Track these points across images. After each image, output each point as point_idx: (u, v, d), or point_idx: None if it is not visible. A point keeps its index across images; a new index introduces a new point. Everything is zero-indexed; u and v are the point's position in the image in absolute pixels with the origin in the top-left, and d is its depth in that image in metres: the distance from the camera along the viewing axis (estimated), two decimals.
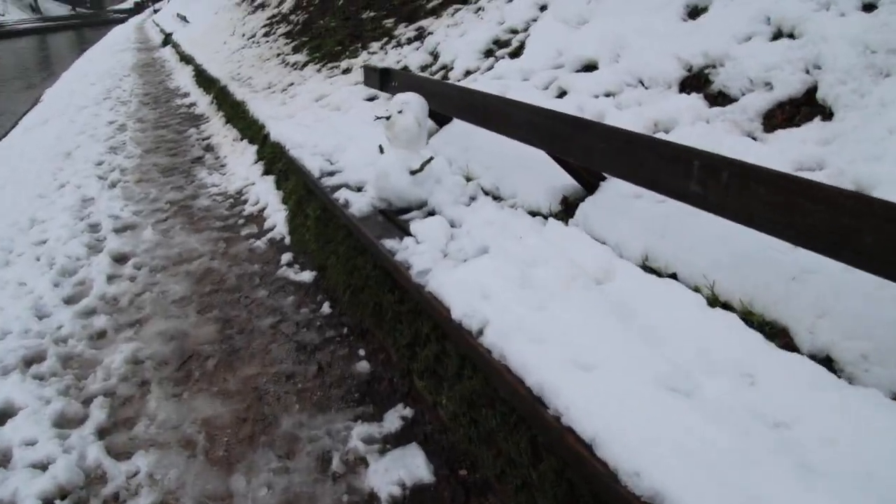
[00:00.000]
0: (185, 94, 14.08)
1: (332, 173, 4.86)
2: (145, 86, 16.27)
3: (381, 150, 4.10)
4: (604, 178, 3.48)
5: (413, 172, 3.85)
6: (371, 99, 7.17)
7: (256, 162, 7.50)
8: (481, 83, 5.56)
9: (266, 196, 6.60)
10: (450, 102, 4.28)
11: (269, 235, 5.91)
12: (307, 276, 5.06)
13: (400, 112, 3.86)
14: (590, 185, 3.43)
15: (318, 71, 9.48)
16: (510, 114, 3.56)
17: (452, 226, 3.55)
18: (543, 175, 3.72)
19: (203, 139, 9.97)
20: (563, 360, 2.21)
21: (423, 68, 6.99)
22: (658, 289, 2.54)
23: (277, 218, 6.09)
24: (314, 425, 3.44)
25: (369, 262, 4.15)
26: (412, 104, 3.87)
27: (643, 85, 4.24)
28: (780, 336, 2.27)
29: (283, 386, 3.80)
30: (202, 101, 12.44)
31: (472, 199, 4.04)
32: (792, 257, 2.39)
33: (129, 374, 4.00)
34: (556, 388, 2.11)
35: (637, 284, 2.61)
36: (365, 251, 4.18)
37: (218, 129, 9.95)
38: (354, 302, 4.33)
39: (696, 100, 3.79)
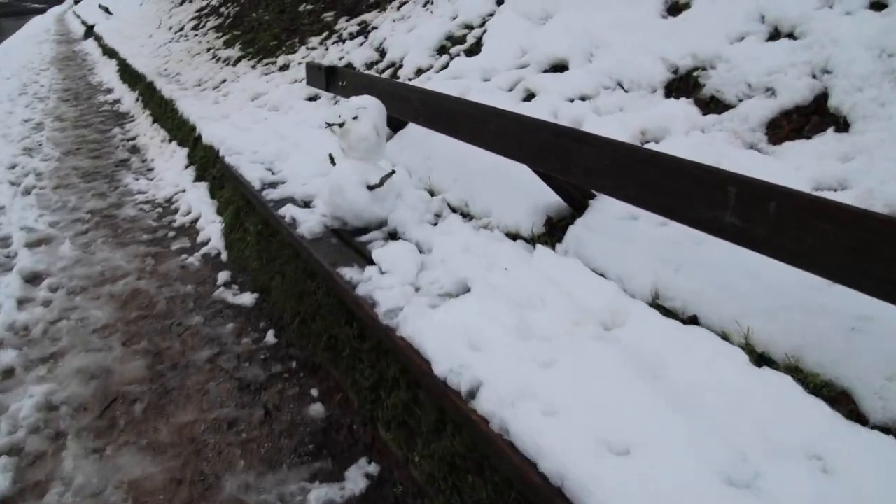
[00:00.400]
0: (109, 90, 13.08)
1: (274, 184, 4.26)
2: (65, 81, 15.11)
3: (332, 160, 3.54)
4: (593, 196, 3.02)
5: (371, 187, 3.32)
6: (313, 98, 6.56)
7: (188, 167, 6.80)
8: (436, 83, 5.04)
9: (199, 205, 5.93)
10: (408, 107, 3.75)
11: (203, 250, 5.27)
12: (247, 298, 4.46)
13: (355, 118, 3.32)
14: (578, 203, 2.96)
15: (253, 68, 8.78)
16: (486, 121, 3.06)
17: (421, 251, 3.03)
18: (522, 190, 3.24)
19: (128, 140, 9.14)
20: (588, 439, 1.73)
21: (369, 66, 6.42)
22: (684, 338, 2.09)
23: (212, 230, 5.44)
24: (263, 487, 2.89)
25: (321, 287, 3.59)
26: (369, 110, 3.33)
27: (622, 88, 3.80)
28: (840, 401, 1.84)
29: (225, 436, 3.22)
30: (127, 98, 11.52)
31: (438, 216, 3.53)
32: (845, 301, 1.96)
33: (40, 423, 3.36)
34: (583, 481, 1.63)
35: (656, 331, 2.15)
36: (316, 274, 3.62)
37: (145, 129, 9.13)
38: (304, 332, 3.76)
39: (686, 105, 3.38)
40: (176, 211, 6.17)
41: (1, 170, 7.62)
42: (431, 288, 2.68)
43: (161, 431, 3.27)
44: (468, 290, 2.63)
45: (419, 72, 5.58)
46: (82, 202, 6.63)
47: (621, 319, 2.31)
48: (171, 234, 5.68)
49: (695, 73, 3.52)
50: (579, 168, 2.54)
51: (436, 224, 3.44)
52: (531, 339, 2.20)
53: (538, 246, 2.83)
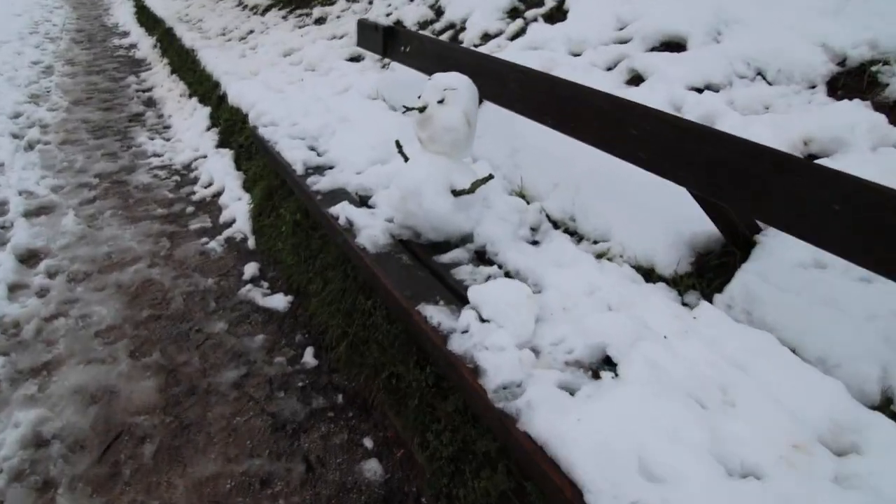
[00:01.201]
0: (125, 34, 12.19)
1: (320, 169, 3.49)
2: (79, 20, 14.21)
3: (403, 153, 2.77)
4: (759, 229, 2.25)
5: (458, 193, 2.55)
6: (356, 59, 5.73)
7: (209, 128, 6.01)
8: (511, 53, 4.21)
9: (222, 176, 5.16)
10: (500, 88, 2.95)
11: (226, 233, 4.51)
12: (280, 301, 3.73)
13: (441, 102, 2.53)
14: (741, 239, 2.19)
15: (285, 18, 7.90)
16: (624, 123, 2.27)
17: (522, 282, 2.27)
18: (658, 209, 2.47)
19: (144, 91, 8.32)
20: None
21: (422, 25, 5.57)
22: None
23: (237, 210, 4.68)
24: None
25: (380, 308, 2.85)
26: (460, 92, 2.54)
27: (764, 79, 2.99)
28: None
29: (258, 498, 2.52)
30: (144, 44, 10.65)
31: (535, 230, 2.77)
32: None
33: (25, 467, 2.67)
34: None
35: None
36: (372, 291, 2.88)
37: (162, 80, 8.30)
38: (354, 360, 3.03)
39: (865, 110, 2.57)
40: (195, 181, 5.40)
41: (3, 119, 6.81)
42: (557, 353, 1.93)
43: (176, 488, 2.57)
44: (610, 362, 1.89)
45: (486, 37, 4.75)
46: (90, 163, 5.87)
47: (854, 440, 1.55)
48: (190, 209, 4.93)
49: (873, 68, 2.71)
50: (788, 212, 1.76)
51: (536, 243, 2.68)
52: (735, 473, 1.45)
53: (702, 302, 2.06)
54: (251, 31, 7.99)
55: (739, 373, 1.74)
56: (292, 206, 3.88)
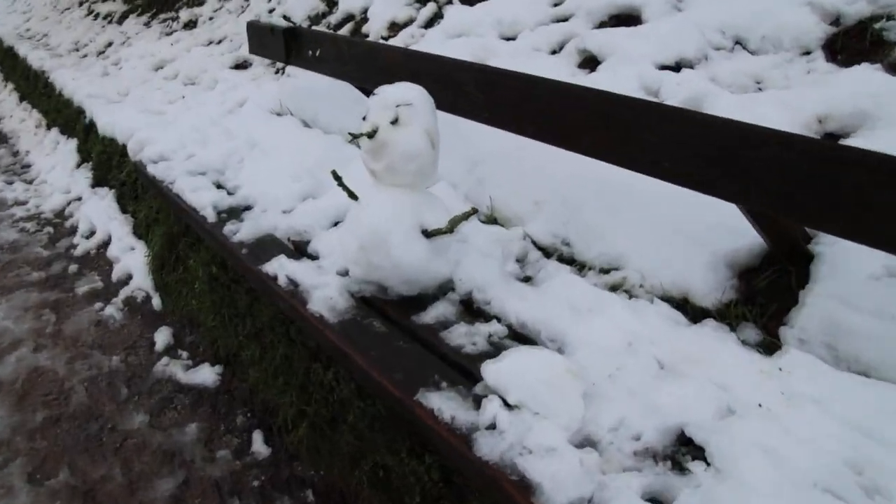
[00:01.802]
0: None
1: (236, 212, 2.92)
2: None
3: (348, 190, 2.26)
4: (810, 237, 1.89)
5: (432, 234, 2.07)
6: (242, 66, 5.09)
7: (80, 165, 5.21)
8: (431, 43, 3.73)
9: (105, 222, 4.44)
10: (458, 96, 2.46)
11: (124, 294, 3.85)
12: (207, 374, 3.15)
13: (394, 123, 2.03)
14: (795, 247, 1.82)
15: (147, 25, 7.07)
16: (642, 127, 1.84)
17: (529, 340, 1.84)
18: (677, 222, 2.08)
19: None
20: None
21: (314, 19, 4.99)
22: None
23: (132, 262, 4.01)
24: None
25: (347, 382, 2.34)
26: (417, 108, 2.06)
27: (745, 48, 2.68)
28: None
29: None
30: None
31: (520, 262, 2.33)
32: None
33: None
34: None
35: None
36: (338, 362, 2.38)
37: (10, 110, 7.30)
38: (321, 447, 2.51)
39: (875, 73, 2.28)
40: (73, 231, 4.64)
41: None
42: (621, 442, 1.52)
43: None
44: (691, 444, 1.46)
45: (395, 27, 4.24)
46: None
47: None
48: (73, 267, 4.20)
49: (875, 26, 2.41)
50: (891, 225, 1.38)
51: (528, 280, 2.24)
52: None
53: (791, 351, 1.67)
54: (110, 44, 7.11)
55: (875, 445, 1.36)
56: (205, 257, 3.28)
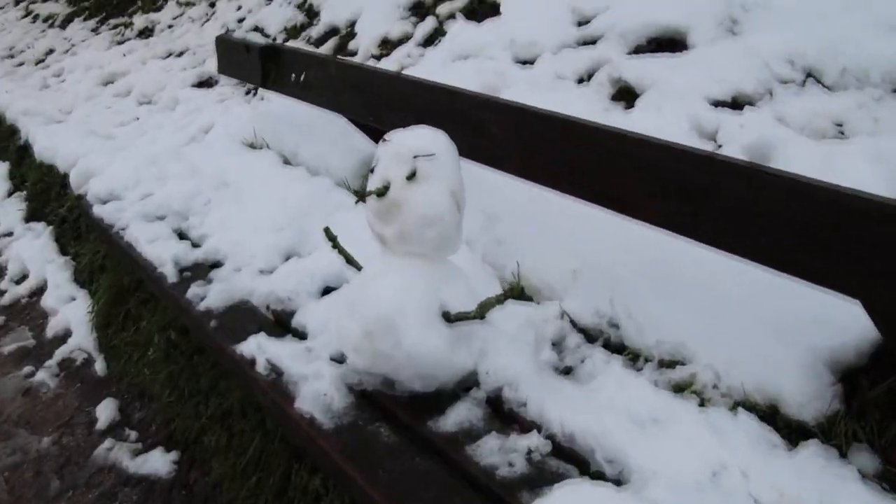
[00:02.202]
0: None
1: (201, 269, 2.64)
2: None
3: (348, 257, 1.99)
4: None
5: (455, 318, 1.79)
6: (205, 84, 4.80)
7: (11, 194, 4.86)
8: (431, 66, 3.50)
9: (40, 265, 4.10)
10: (481, 140, 2.19)
11: (60, 354, 3.52)
12: (159, 462, 2.86)
13: (411, 178, 1.76)
14: None
15: (95, 31, 6.77)
16: (744, 197, 1.59)
17: (581, 461, 1.58)
18: (760, 308, 1.84)
19: None
20: None
21: (291, 32, 4.73)
22: None
23: (72, 315, 3.68)
24: None
25: (337, 492, 2.05)
26: (441, 160, 1.80)
27: (820, 82, 2.49)
28: None
29: None
30: None
31: (557, 346, 2.06)
32: None
33: None
34: None
35: None
36: (327, 473, 2.08)
37: None
38: None
39: None
40: (1, 273, 4.28)
41: None
42: None
43: None
44: None
45: (387, 45, 4.01)
46: None
47: None
48: None
49: None
50: None
51: (569, 373, 1.97)
52: None
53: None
54: (51, 51, 6.78)
55: None
56: (161, 319, 2.96)
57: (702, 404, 1.79)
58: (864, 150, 2.13)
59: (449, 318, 1.84)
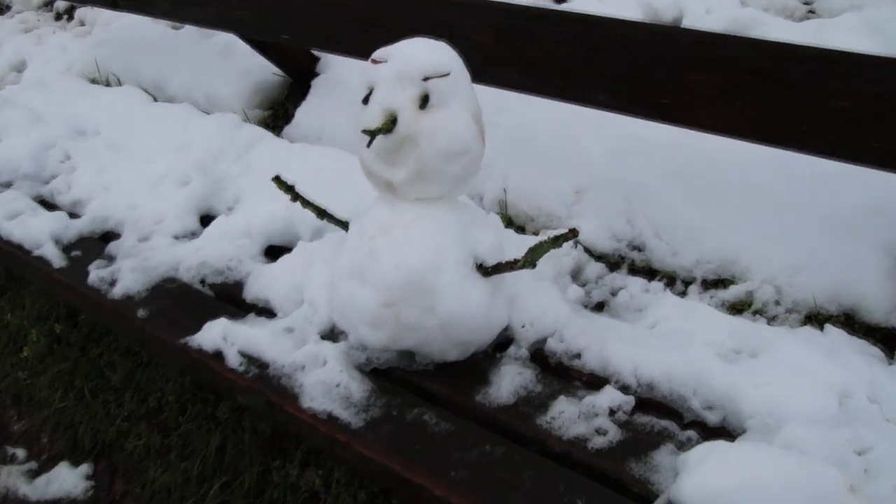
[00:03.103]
0: None
1: (94, 248, 2.07)
2: None
3: (315, 210, 1.58)
4: None
5: (496, 269, 1.43)
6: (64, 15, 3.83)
7: None
8: None
9: None
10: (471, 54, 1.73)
11: None
12: (67, 479, 2.29)
13: (424, 104, 1.33)
14: None
15: None
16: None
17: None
18: (811, 200, 1.62)
19: None
20: None
21: None
22: None
23: None
24: None
25: (353, 488, 1.68)
26: (457, 77, 1.38)
27: None
28: None
29: None
30: None
31: (576, 280, 1.76)
32: None
33: None
34: None
35: None
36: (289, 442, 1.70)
37: None
38: None
39: None
40: None
41: None
42: None
43: None
44: None
45: None
46: None
47: None
48: None
49: None
50: None
51: (601, 309, 1.69)
52: None
53: None
54: None
55: None
56: (33, 310, 2.31)
57: (771, 324, 1.57)
58: (853, 24, 1.93)
59: (487, 270, 1.46)
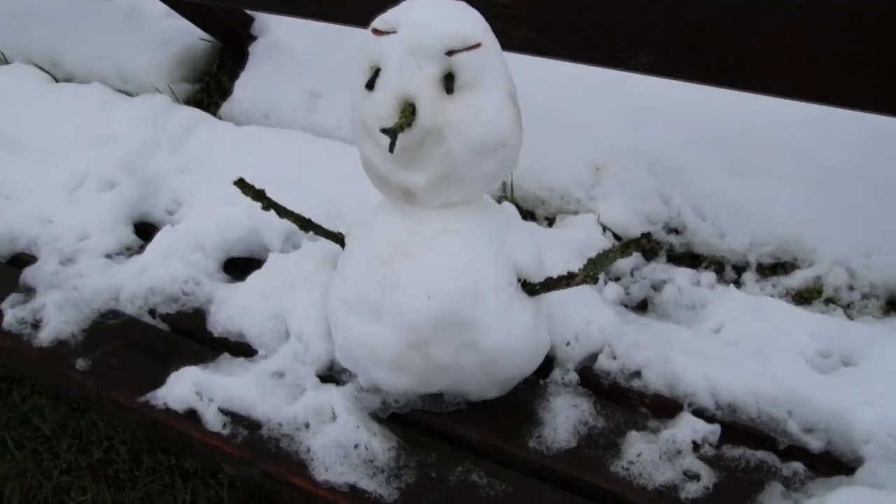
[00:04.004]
0: None
1: (7, 278, 1.60)
2: None
3: (297, 221, 1.22)
4: None
5: (542, 288, 1.11)
6: None
7: None
8: None
9: None
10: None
11: None
12: None
13: (451, 86, 0.99)
14: None
15: None
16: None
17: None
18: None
19: None
20: None
21: None
22: None
23: None
24: None
25: None
26: (488, 48, 1.02)
27: None
28: None
29: None
30: None
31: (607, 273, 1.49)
32: None
33: None
34: None
35: None
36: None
37: None
38: None
39: None
40: None
41: None
42: None
43: None
44: None
45: None
46: None
47: None
48: None
49: None
50: None
51: (644, 309, 1.41)
52: None
53: None
54: None
55: None
56: None
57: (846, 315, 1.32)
58: None
59: (534, 288, 1.14)
